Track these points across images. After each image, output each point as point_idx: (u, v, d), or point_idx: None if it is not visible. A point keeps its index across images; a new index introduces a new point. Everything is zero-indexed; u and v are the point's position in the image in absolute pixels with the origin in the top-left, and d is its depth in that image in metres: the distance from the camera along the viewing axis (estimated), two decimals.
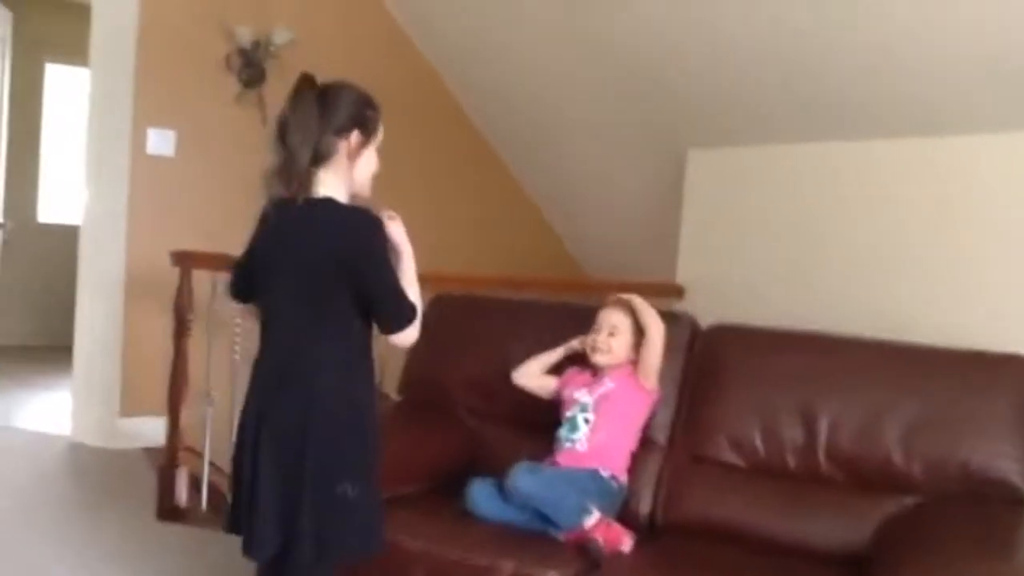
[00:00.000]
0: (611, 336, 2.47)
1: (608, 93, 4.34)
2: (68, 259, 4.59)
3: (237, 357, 3.34)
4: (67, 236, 5.16)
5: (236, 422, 2.04)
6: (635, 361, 2.46)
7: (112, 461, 4.15)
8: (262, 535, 1.90)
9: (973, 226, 3.20)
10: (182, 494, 3.46)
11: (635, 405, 2.46)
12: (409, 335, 1.96)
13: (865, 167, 3.53)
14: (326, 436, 1.90)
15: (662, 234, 4.37)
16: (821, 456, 2.33)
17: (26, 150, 6.83)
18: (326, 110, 1.92)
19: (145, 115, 4.38)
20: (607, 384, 2.45)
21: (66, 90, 7.11)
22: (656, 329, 2.41)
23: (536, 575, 2.04)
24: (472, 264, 4.93)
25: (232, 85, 4.51)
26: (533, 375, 2.60)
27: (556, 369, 2.60)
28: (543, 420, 2.53)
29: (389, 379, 3.25)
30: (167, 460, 3.51)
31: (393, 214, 2.04)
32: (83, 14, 4.43)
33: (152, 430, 4.01)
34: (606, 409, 2.42)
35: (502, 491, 2.30)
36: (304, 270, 1.92)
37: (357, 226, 1.91)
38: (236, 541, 2.05)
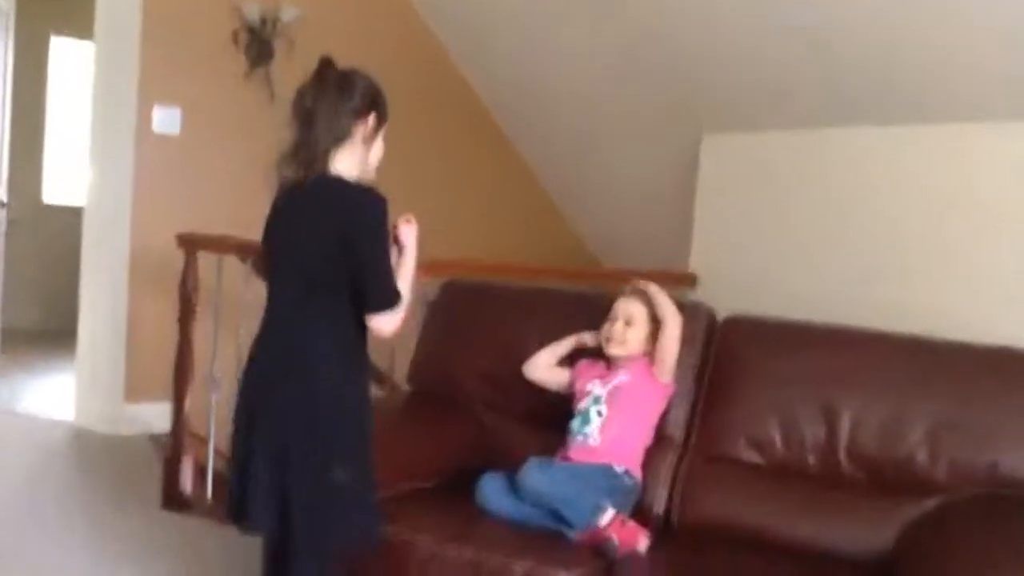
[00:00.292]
0: (627, 326, 2.39)
1: (622, 77, 4.25)
2: (73, 241, 4.54)
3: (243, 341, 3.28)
4: (72, 217, 5.10)
5: None
6: (651, 353, 2.39)
7: (116, 448, 4.11)
8: (254, 507, 1.91)
9: (1000, 216, 3.11)
10: (187, 483, 3.42)
11: (650, 399, 2.39)
12: (390, 320, 1.94)
13: (886, 153, 3.45)
14: (316, 421, 1.90)
15: (675, 222, 4.30)
16: (842, 456, 2.27)
17: (31, 128, 6.75)
18: (346, 92, 1.97)
19: (151, 93, 4.31)
20: (621, 376, 2.38)
21: (72, 64, 7.00)
22: (673, 321, 2.34)
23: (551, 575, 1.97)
24: (483, 252, 4.86)
25: (239, 62, 4.43)
26: (544, 367, 2.53)
27: (569, 361, 2.54)
28: (555, 412, 2.47)
29: (398, 368, 3.19)
30: (172, 448, 3.46)
31: (410, 217, 2.08)
32: None
33: (157, 416, 3.96)
34: (620, 402, 2.35)
35: (514, 486, 2.23)
36: (307, 250, 1.94)
37: (361, 202, 1.93)
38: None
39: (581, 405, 2.39)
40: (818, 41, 3.34)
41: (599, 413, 2.35)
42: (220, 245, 3.30)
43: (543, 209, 5.51)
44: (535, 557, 2.01)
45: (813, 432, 2.30)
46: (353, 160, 1.99)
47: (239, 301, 3.32)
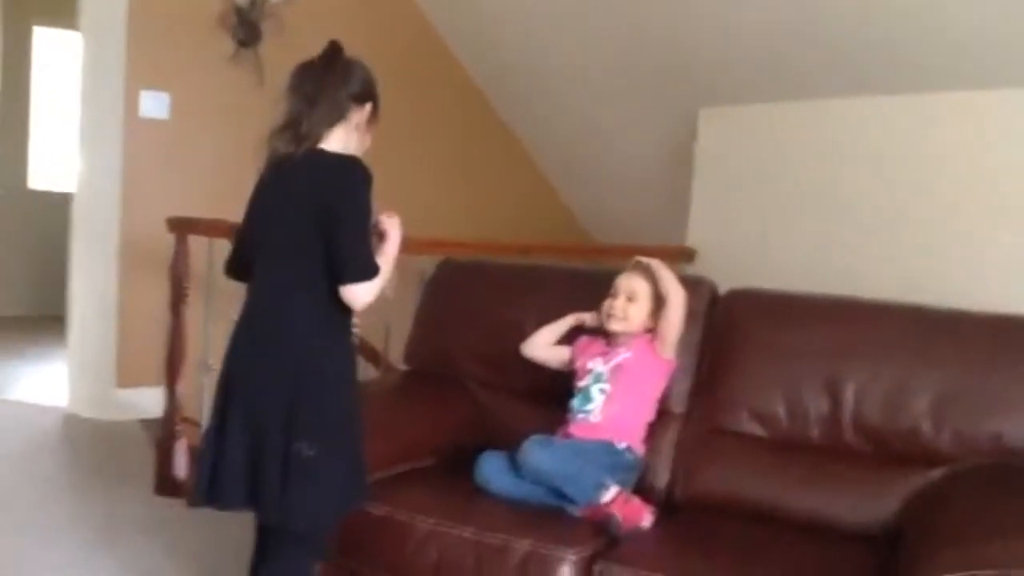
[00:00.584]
0: (629, 302, 2.35)
1: (615, 49, 4.20)
2: (61, 227, 4.49)
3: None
4: (59, 203, 5.05)
5: None
6: (652, 329, 2.35)
7: (109, 433, 4.07)
8: (226, 483, 1.88)
9: (1006, 185, 3.08)
10: (181, 467, 3.37)
11: (652, 375, 2.36)
12: (364, 291, 1.90)
13: (887, 123, 3.41)
14: (296, 395, 1.87)
15: (672, 196, 4.26)
16: (846, 427, 2.24)
17: (15, 116, 6.70)
18: (349, 78, 2.02)
19: (138, 77, 4.25)
20: (623, 353, 2.35)
21: (55, 54, 6.94)
22: (677, 297, 2.30)
23: (553, 554, 1.94)
24: (477, 230, 4.82)
25: (227, 45, 4.37)
26: (543, 346, 2.50)
27: (568, 338, 2.50)
28: (555, 389, 2.43)
29: (394, 348, 3.16)
30: (164, 433, 3.43)
31: (392, 213, 2.07)
32: None
33: (149, 401, 3.92)
34: (622, 379, 2.32)
35: (514, 465, 2.20)
36: (292, 222, 1.92)
37: (342, 170, 1.94)
38: (238, 515, 2.03)
39: (582, 383, 2.36)
40: (816, 10, 3.29)
41: (601, 391, 2.31)
42: (211, 228, 3.25)
43: (537, 186, 5.48)
44: (536, 535, 1.98)
45: (817, 404, 2.27)
46: (344, 142, 2.00)
47: (230, 284, 3.27)
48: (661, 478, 2.36)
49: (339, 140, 1.99)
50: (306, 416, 1.87)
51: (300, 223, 1.91)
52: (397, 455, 2.35)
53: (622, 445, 2.27)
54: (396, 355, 3.10)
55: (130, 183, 4.25)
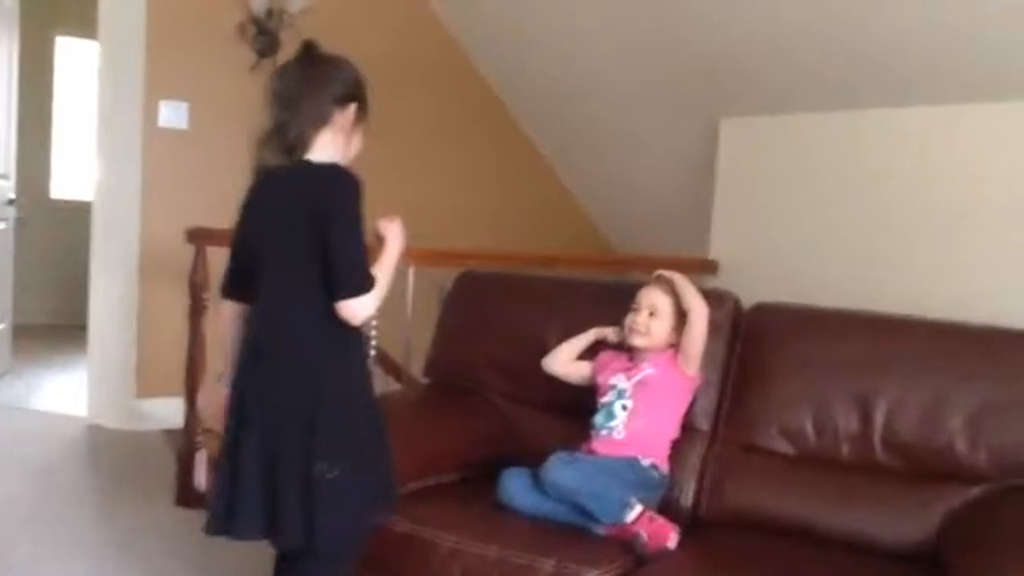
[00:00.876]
0: (651, 317, 2.32)
1: (637, 60, 4.16)
2: (83, 236, 4.50)
3: None
4: (81, 213, 5.07)
5: None
6: (676, 345, 2.31)
7: (130, 443, 4.07)
8: (241, 511, 1.81)
9: None
10: (201, 478, 3.36)
11: (676, 391, 2.32)
12: (360, 305, 1.80)
13: (912, 135, 3.36)
14: (313, 417, 1.80)
15: (694, 207, 4.22)
16: (878, 444, 2.18)
17: (38, 125, 6.74)
18: (330, 78, 1.91)
19: (157, 87, 4.26)
20: (646, 369, 2.31)
21: (77, 63, 6.98)
22: (700, 312, 2.25)
23: (578, 574, 1.90)
24: (497, 241, 4.80)
25: (246, 55, 4.36)
26: (564, 362, 2.46)
27: (590, 353, 2.46)
28: (578, 404, 2.40)
29: (415, 361, 3.13)
30: (185, 444, 3.41)
31: (393, 218, 1.99)
32: None
33: (170, 411, 3.91)
34: (645, 395, 2.28)
35: (537, 481, 2.16)
36: (286, 238, 1.85)
37: (330, 178, 1.85)
38: None
39: (605, 399, 2.32)
40: (841, 19, 3.25)
41: (624, 407, 2.27)
42: (229, 239, 3.22)
43: (558, 196, 5.44)
44: (561, 554, 1.94)
45: (846, 420, 2.22)
46: (331, 148, 1.90)
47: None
48: (687, 496, 2.31)
49: (325, 146, 1.89)
50: (325, 437, 1.80)
51: (294, 239, 1.83)
52: (419, 470, 2.32)
53: (647, 462, 2.23)
54: (417, 368, 3.07)
55: (149, 193, 4.26)
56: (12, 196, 5.19)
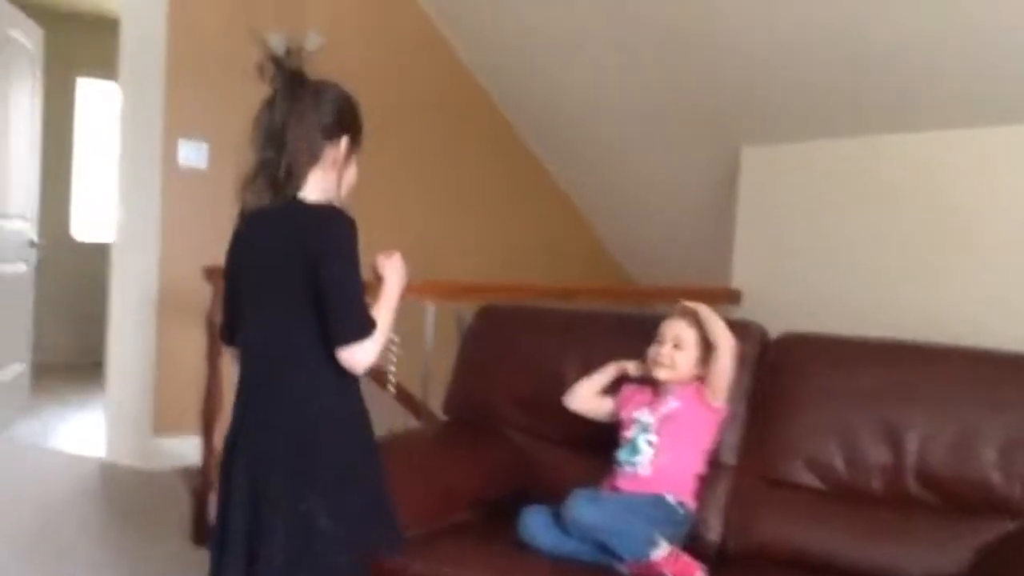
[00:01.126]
0: (675, 349, 2.27)
1: (656, 87, 4.14)
2: (103, 276, 4.51)
3: None
4: (101, 253, 5.09)
5: None
6: (701, 377, 2.27)
7: (147, 482, 4.03)
8: (228, 561, 1.76)
9: None
10: None
11: (702, 425, 2.26)
12: (361, 353, 1.72)
13: (936, 160, 3.31)
14: (305, 464, 1.73)
15: (715, 236, 4.18)
16: (910, 477, 2.12)
17: (59, 167, 6.79)
18: (318, 109, 1.80)
19: (176, 127, 4.27)
20: (671, 403, 2.26)
21: (99, 105, 7.05)
22: (727, 344, 2.21)
23: None
24: (515, 273, 4.77)
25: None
26: (586, 398, 2.41)
27: (612, 388, 2.41)
28: (600, 439, 2.35)
29: (434, 396, 3.10)
30: (201, 483, 3.38)
31: (391, 253, 1.89)
32: (114, 28, 4.34)
33: (188, 449, 3.88)
34: (670, 430, 2.23)
35: (559, 519, 2.11)
36: (278, 284, 1.76)
37: (322, 220, 1.75)
38: None
39: (628, 434, 2.27)
40: (862, 45, 3.22)
41: (649, 442, 2.22)
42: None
43: (577, 229, 5.42)
44: None
45: (877, 453, 2.16)
46: (322, 185, 1.80)
47: None
48: (713, 532, 2.26)
49: (316, 184, 1.79)
50: (319, 486, 1.73)
51: (284, 285, 1.74)
52: (437, 509, 2.27)
53: (672, 499, 2.17)
54: (435, 402, 3.03)
55: (168, 232, 4.26)
56: (34, 238, 5.22)
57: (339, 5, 4.62)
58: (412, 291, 3.10)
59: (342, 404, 1.80)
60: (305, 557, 1.72)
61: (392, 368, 3.29)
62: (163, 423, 4.24)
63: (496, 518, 2.29)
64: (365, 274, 1.82)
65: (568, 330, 2.69)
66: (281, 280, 1.75)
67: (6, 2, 4.66)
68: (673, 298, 2.41)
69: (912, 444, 2.12)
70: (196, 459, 3.49)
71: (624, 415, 2.31)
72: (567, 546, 2.08)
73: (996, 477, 2.04)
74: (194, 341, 3.60)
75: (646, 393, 2.33)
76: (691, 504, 2.22)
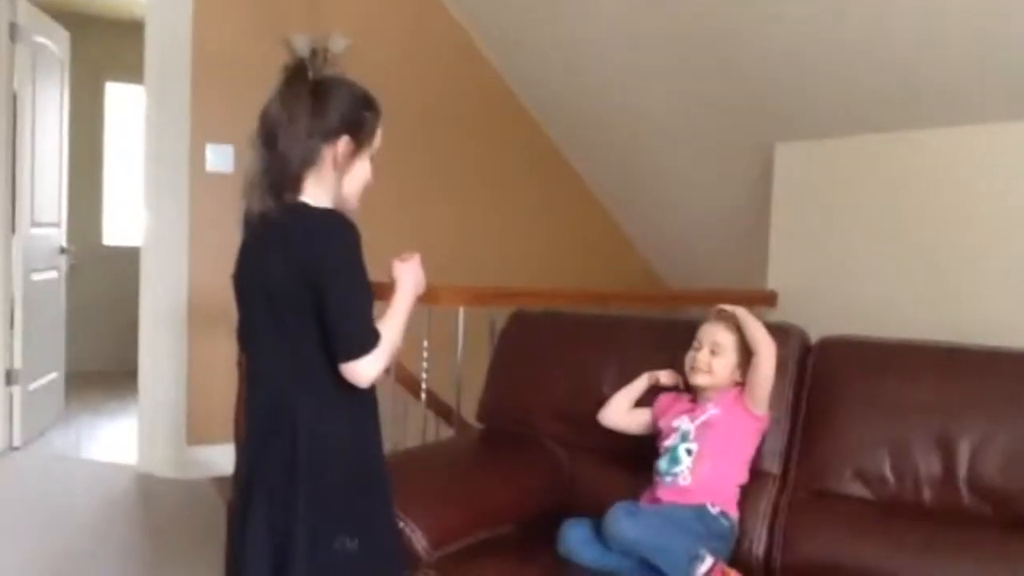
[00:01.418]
0: (713, 355, 2.21)
1: (686, 85, 4.07)
2: (135, 282, 4.50)
3: None
4: (133, 259, 5.09)
5: None
6: (740, 383, 2.20)
7: (181, 492, 4.02)
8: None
9: None
10: None
11: (743, 433, 2.20)
12: (364, 368, 1.65)
13: (984, 153, 3.21)
14: (315, 488, 1.67)
15: (749, 237, 4.09)
16: (963, 489, 2.04)
17: (89, 172, 6.82)
18: (317, 108, 1.69)
19: (203, 131, 4.26)
20: (710, 410, 2.19)
21: (127, 109, 7.06)
22: (767, 349, 2.14)
23: None
24: (546, 278, 4.70)
25: None
26: (621, 412, 2.35)
27: (647, 399, 2.35)
28: (640, 448, 2.30)
29: (466, 403, 3.05)
30: (235, 492, 3.35)
31: (408, 256, 1.83)
32: (141, 31, 4.34)
33: (222, 458, 3.86)
34: (710, 438, 2.16)
35: (599, 533, 2.05)
36: (275, 293, 1.69)
37: (320, 231, 1.67)
38: None
39: (668, 443, 2.21)
40: (900, 37, 3.13)
41: (688, 452, 2.16)
42: None
43: (609, 232, 5.35)
44: None
45: (927, 462, 2.08)
46: (322, 187, 1.72)
47: None
48: (758, 545, 2.18)
49: (316, 188, 1.71)
50: (337, 510, 1.68)
51: (287, 294, 1.67)
52: (473, 523, 2.22)
53: (715, 510, 2.11)
54: (467, 409, 2.98)
55: (197, 237, 4.24)
56: (64, 244, 5.23)
57: (366, 7, 4.59)
58: (443, 297, 3.08)
59: (350, 430, 1.74)
60: None
61: (424, 376, 3.24)
62: (196, 432, 4.23)
63: (534, 532, 2.24)
64: (383, 276, 1.76)
65: (602, 336, 2.63)
66: (279, 294, 1.69)
67: (32, 5, 4.66)
68: (707, 302, 2.35)
69: (965, 454, 2.04)
70: (230, 468, 3.46)
71: (663, 424, 2.25)
72: (609, 561, 2.02)
73: None
74: (225, 348, 3.56)
75: (684, 401, 2.27)
76: (734, 514, 2.15)
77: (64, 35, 5.18)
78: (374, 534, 1.74)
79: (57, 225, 5.17)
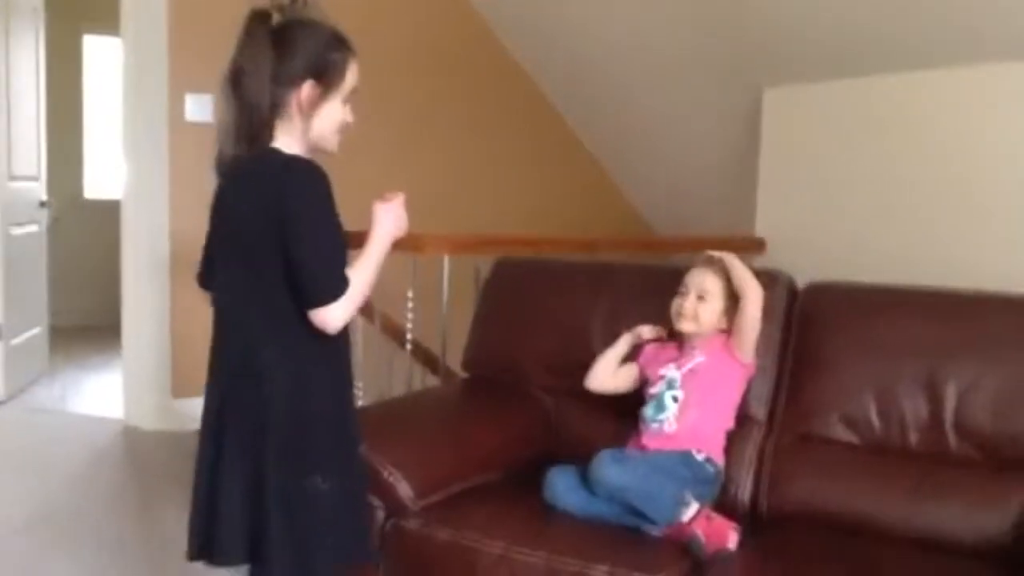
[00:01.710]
0: (700, 301, 2.18)
1: (672, 29, 3.99)
2: (117, 236, 4.46)
3: None
4: (115, 212, 5.04)
5: None
6: (727, 330, 2.18)
7: (167, 444, 4.02)
8: (226, 537, 1.68)
9: None
10: None
11: (729, 380, 2.18)
12: (331, 314, 1.62)
13: (969, 97, 3.17)
14: (286, 431, 1.65)
15: (737, 183, 4.06)
16: (949, 432, 2.04)
17: (68, 124, 6.71)
18: (280, 54, 1.65)
19: (181, 81, 4.18)
20: (696, 357, 2.17)
21: (106, 62, 6.94)
22: (755, 294, 2.11)
23: None
24: (532, 226, 4.67)
25: None
26: (608, 375, 2.30)
27: (631, 354, 2.32)
28: (628, 397, 2.28)
29: (452, 353, 3.03)
30: None
31: (392, 195, 1.78)
32: None
33: None
34: (696, 385, 2.15)
35: (585, 479, 2.04)
36: (242, 238, 1.68)
37: (285, 177, 1.63)
38: None
39: (654, 390, 2.19)
40: None
41: (674, 398, 2.15)
42: None
43: (596, 180, 5.30)
44: (614, 560, 1.82)
45: (914, 406, 2.07)
46: (291, 134, 1.68)
47: None
48: (744, 490, 2.18)
49: (287, 136, 1.68)
50: (309, 451, 1.67)
51: (253, 240, 1.65)
52: (459, 471, 2.21)
53: (701, 456, 2.10)
54: (452, 359, 2.96)
55: (178, 188, 4.19)
56: (44, 198, 5.16)
57: None
58: (427, 245, 3.04)
59: (315, 380, 1.71)
60: (312, 535, 1.67)
61: (409, 325, 3.21)
62: (182, 384, 4.21)
63: (521, 479, 2.22)
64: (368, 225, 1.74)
65: (588, 283, 2.61)
66: (250, 243, 1.66)
67: None
68: (694, 248, 2.32)
69: (952, 397, 2.04)
70: None
71: (650, 372, 2.24)
72: (594, 507, 2.01)
73: None
74: (208, 299, 3.53)
75: (670, 349, 2.25)
76: (720, 461, 2.15)
77: None
78: (345, 476, 1.73)
79: (36, 179, 5.09)
